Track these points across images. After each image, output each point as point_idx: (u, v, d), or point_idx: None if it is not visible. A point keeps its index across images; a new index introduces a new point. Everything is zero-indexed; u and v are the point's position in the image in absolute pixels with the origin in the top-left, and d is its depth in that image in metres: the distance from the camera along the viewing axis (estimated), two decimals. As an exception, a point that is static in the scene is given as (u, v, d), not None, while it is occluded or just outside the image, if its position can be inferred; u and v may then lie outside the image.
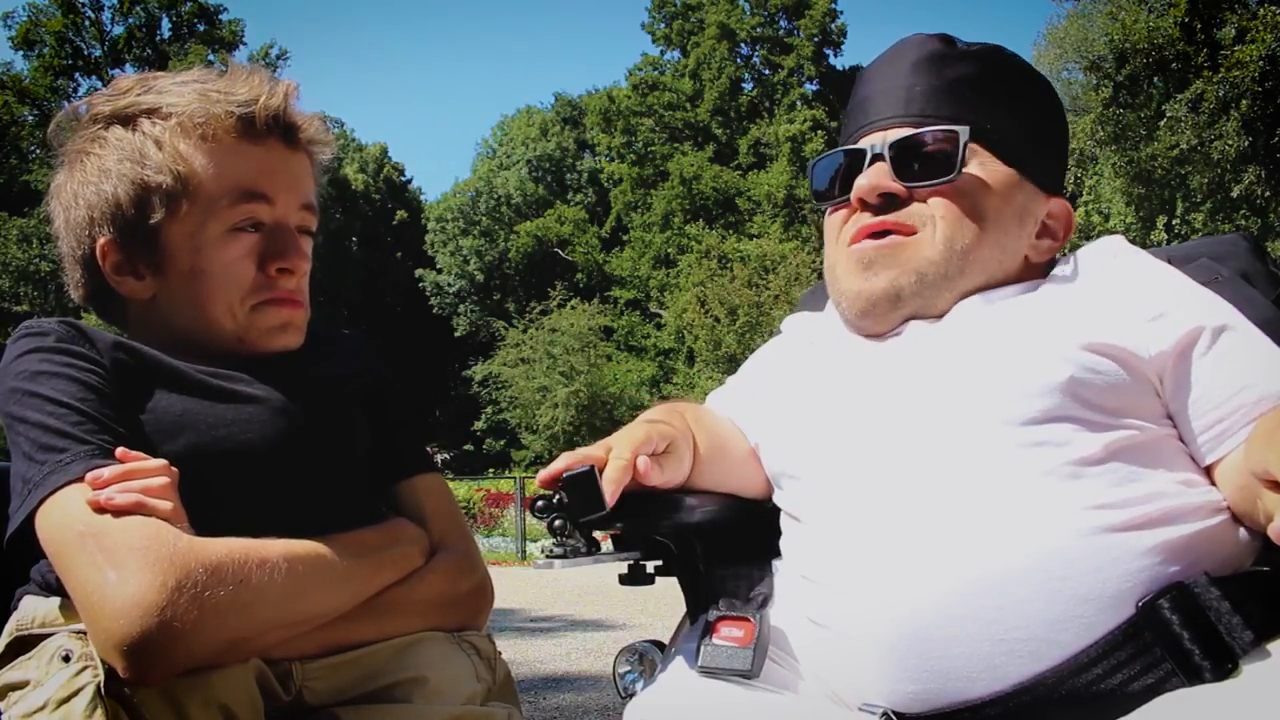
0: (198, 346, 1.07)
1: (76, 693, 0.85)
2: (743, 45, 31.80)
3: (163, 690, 0.85)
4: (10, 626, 0.97)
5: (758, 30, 31.53)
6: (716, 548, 1.14)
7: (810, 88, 31.54)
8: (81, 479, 0.91)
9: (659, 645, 1.23)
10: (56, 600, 0.95)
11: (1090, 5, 19.31)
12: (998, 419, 0.94)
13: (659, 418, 1.14)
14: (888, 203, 1.08)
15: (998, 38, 1.16)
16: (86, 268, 1.09)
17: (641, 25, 32.96)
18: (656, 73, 32.81)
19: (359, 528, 1.04)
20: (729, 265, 24.12)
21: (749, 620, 0.97)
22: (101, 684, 0.85)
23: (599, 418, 24.08)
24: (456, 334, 34.17)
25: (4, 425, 0.98)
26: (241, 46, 31.60)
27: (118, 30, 31.40)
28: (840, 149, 1.15)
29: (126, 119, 1.07)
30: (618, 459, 0.98)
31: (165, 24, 31.85)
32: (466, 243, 34.10)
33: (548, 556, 0.97)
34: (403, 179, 37.48)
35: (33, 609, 0.97)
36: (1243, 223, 16.74)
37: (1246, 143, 16.28)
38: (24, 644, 0.94)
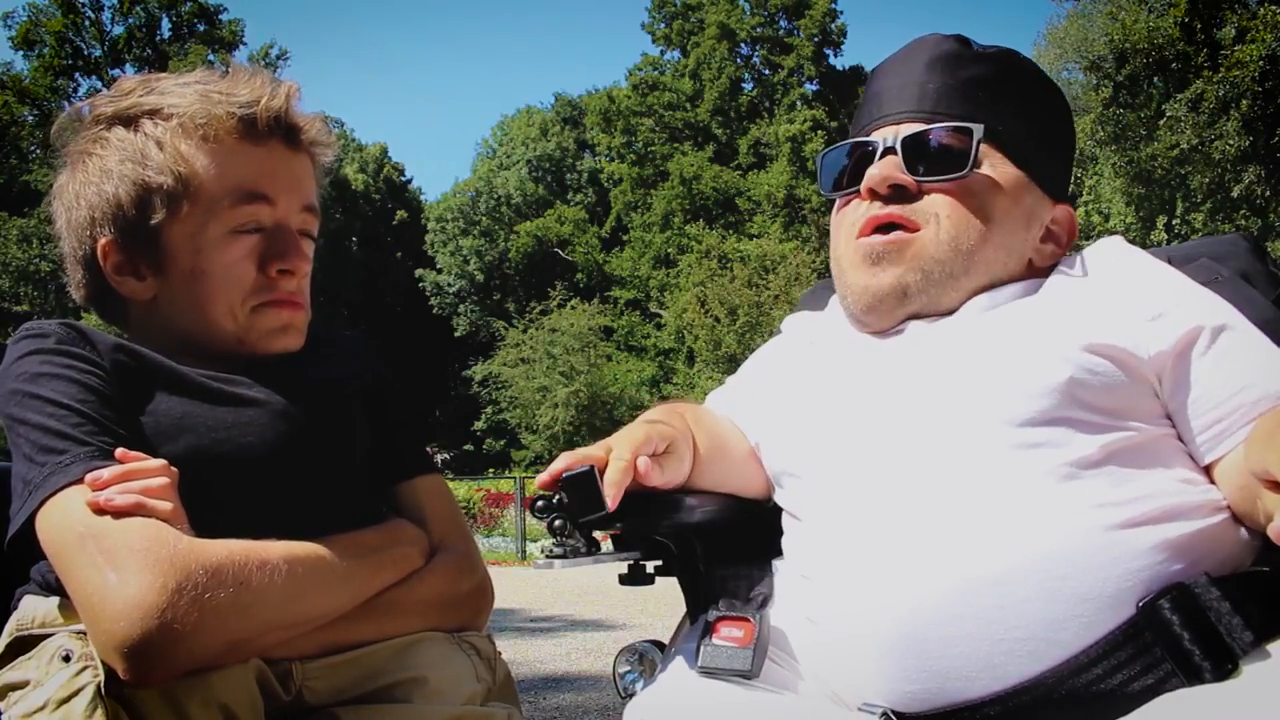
0: (198, 348, 1.07)
1: (77, 693, 0.85)
2: (743, 45, 31.81)
3: (163, 690, 0.85)
4: (10, 626, 0.97)
5: (758, 30, 31.53)
6: (716, 548, 1.14)
7: (810, 88, 31.56)
8: (81, 480, 0.91)
9: (659, 645, 1.23)
10: (56, 600, 0.95)
11: (1090, 5, 19.33)
12: (997, 419, 0.94)
13: (659, 418, 1.14)
14: (897, 196, 1.08)
15: (997, 38, 1.17)
16: (88, 268, 1.09)
17: (641, 25, 33.03)
18: (656, 73, 32.81)
19: (359, 529, 1.04)
20: (729, 265, 24.13)
21: (749, 620, 0.97)
22: (101, 684, 0.85)
23: (599, 418, 24.08)
24: (456, 334, 34.17)
25: (5, 427, 0.99)
26: (241, 46, 31.68)
27: (118, 30, 31.44)
28: (851, 140, 1.15)
29: (129, 120, 1.07)
30: (618, 460, 0.98)
31: (165, 24, 31.89)
32: (466, 243, 34.10)
33: (548, 556, 0.97)
34: (403, 179, 37.49)
35: (33, 609, 0.97)
36: (1243, 223, 16.74)
37: (1246, 143, 16.29)
38: (24, 644, 0.94)
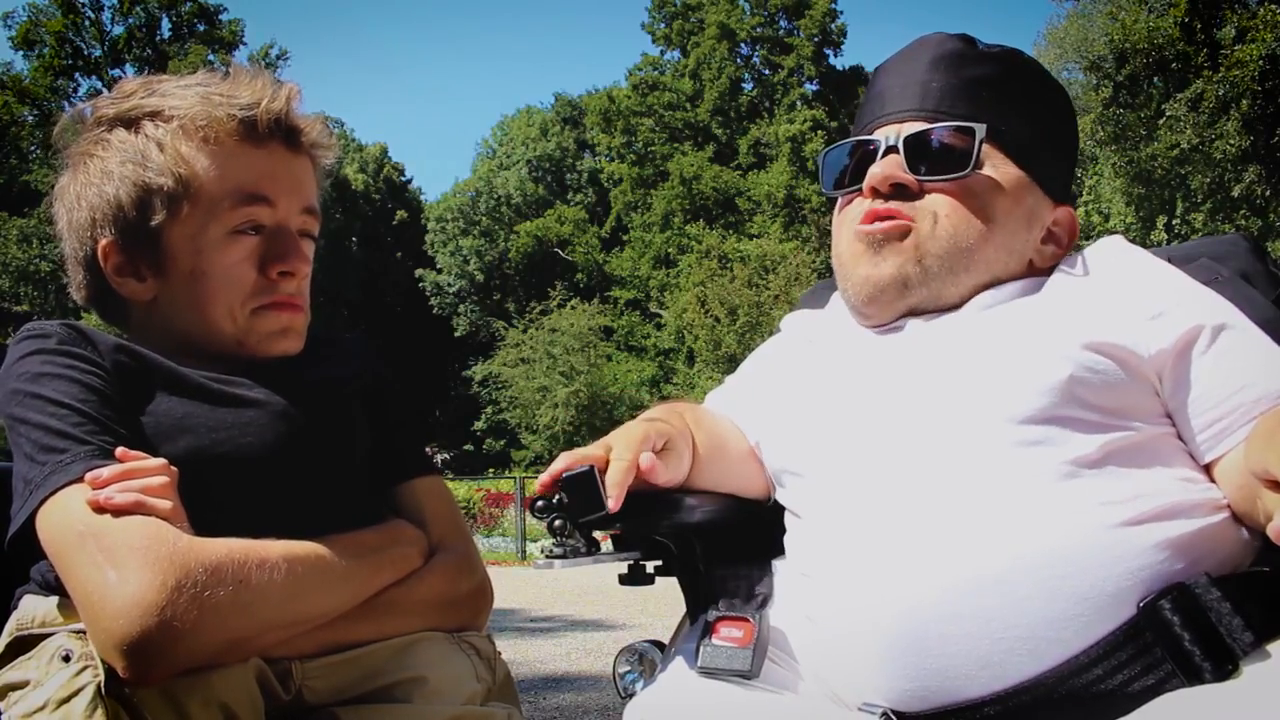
0: (198, 349, 1.07)
1: (77, 692, 0.85)
2: (743, 45, 31.81)
3: (163, 690, 0.85)
4: (10, 626, 0.97)
5: (758, 30, 31.53)
6: (716, 548, 1.14)
7: (810, 88, 31.56)
8: (81, 479, 0.91)
9: (659, 645, 1.23)
10: (56, 600, 0.95)
11: (1090, 5, 19.33)
12: (998, 416, 0.94)
13: (657, 416, 1.14)
14: (898, 194, 1.08)
15: (997, 37, 1.16)
16: (88, 269, 1.10)
17: (641, 25, 33.03)
18: (656, 73, 32.81)
19: (359, 529, 1.04)
20: (729, 265, 24.14)
21: (748, 620, 0.97)
22: (102, 684, 0.85)
23: (599, 418, 24.08)
24: (456, 334, 34.17)
25: (6, 426, 0.99)
26: (241, 46, 31.69)
27: (118, 30, 31.44)
28: (853, 139, 1.16)
29: (129, 121, 1.07)
30: (619, 460, 0.98)
31: (165, 24, 31.90)
32: (466, 243, 34.10)
33: (548, 557, 0.97)
34: (403, 179, 37.49)
35: (33, 609, 0.97)
36: (1243, 223, 16.74)
37: (1247, 142, 16.28)
38: (24, 644, 0.94)
